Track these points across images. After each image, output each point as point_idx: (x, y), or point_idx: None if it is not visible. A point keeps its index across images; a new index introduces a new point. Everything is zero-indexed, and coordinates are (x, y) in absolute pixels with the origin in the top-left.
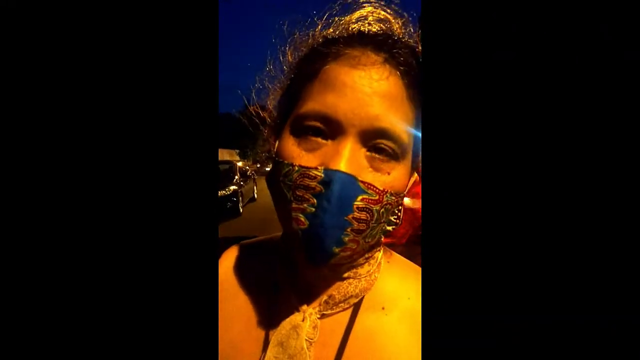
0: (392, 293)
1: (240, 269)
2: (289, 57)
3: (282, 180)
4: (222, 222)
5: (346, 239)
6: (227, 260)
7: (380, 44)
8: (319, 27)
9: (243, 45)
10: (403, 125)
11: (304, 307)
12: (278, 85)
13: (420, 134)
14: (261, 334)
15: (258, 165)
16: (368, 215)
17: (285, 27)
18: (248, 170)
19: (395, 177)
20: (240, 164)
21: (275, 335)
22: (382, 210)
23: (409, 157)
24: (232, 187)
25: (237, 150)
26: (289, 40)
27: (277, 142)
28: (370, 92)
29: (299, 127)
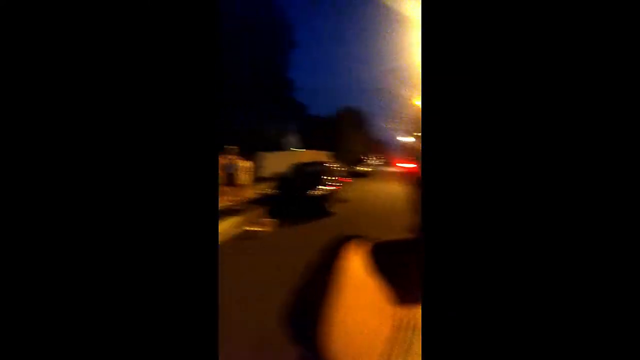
0: None
1: (372, 264)
2: None
3: None
4: (316, 221)
5: None
6: (358, 255)
7: None
8: None
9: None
10: None
11: None
12: None
13: None
14: (390, 320)
15: (349, 166)
16: None
17: None
18: (340, 171)
19: None
20: (332, 165)
21: (413, 322)
22: None
23: None
24: (325, 188)
25: (330, 152)
26: None
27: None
28: None
29: None
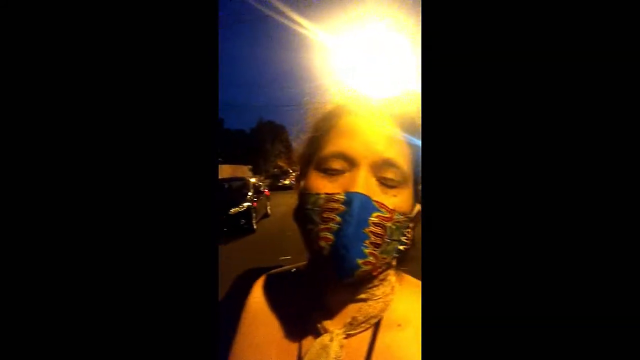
0: (405, 311)
1: (271, 297)
2: (310, 118)
3: (310, 208)
4: (237, 239)
5: (366, 251)
6: (258, 290)
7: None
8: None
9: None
10: (402, 157)
11: (331, 328)
12: (301, 137)
13: (418, 168)
14: (293, 356)
15: (270, 181)
16: (382, 230)
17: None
18: (261, 186)
19: (401, 200)
20: (253, 180)
21: (307, 356)
22: (394, 227)
23: (411, 184)
24: (246, 204)
25: (250, 166)
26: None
27: (302, 181)
28: (375, 134)
29: (322, 166)
